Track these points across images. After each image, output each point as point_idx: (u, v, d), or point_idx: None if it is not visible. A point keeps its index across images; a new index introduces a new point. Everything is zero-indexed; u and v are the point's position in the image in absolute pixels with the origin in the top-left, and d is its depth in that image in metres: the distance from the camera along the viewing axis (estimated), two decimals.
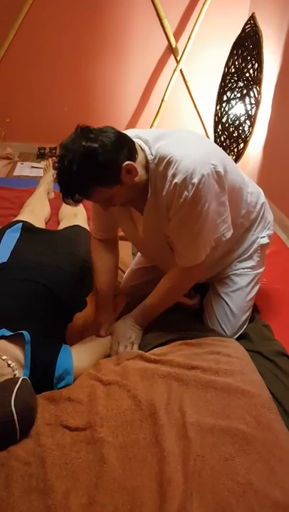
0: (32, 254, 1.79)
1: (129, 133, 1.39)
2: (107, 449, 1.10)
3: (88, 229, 2.20)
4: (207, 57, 3.77)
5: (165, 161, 1.33)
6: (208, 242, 1.45)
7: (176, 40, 3.74)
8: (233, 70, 3.52)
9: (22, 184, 3.10)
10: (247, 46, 3.35)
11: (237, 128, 3.51)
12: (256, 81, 3.28)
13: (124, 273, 1.97)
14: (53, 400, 1.25)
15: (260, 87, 3.25)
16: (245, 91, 3.42)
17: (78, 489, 1.03)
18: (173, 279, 1.53)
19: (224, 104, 3.61)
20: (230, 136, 3.58)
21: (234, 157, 3.53)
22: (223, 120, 3.62)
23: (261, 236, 1.70)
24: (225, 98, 3.59)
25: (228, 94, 3.57)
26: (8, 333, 1.29)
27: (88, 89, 3.88)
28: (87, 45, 3.72)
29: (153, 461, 1.08)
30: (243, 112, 3.44)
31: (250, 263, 1.70)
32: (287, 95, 3.09)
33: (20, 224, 2.02)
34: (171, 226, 1.41)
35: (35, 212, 2.34)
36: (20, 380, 1.15)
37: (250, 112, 3.39)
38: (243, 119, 3.45)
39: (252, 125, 3.38)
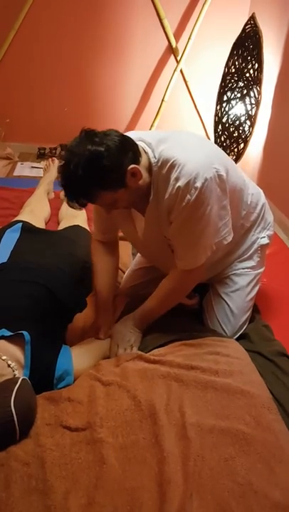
0: (32, 254, 1.79)
1: (132, 135, 1.39)
2: (107, 450, 1.10)
3: (88, 229, 2.20)
4: (207, 57, 3.77)
5: (168, 164, 1.33)
6: (208, 246, 1.45)
7: (177, 41, 3.74)
8: (233, 70, 3.52)
9: (22, 184, 3.10)
10: (247, 46, 3.35)
11: (237, 128, 3.51)
12: (256, 81, 3.28)
13: (124, 273, 1.97)
14: (52, 400, 1.25)
15: (260, 87, 3.25)
16: (245, 91, 3.42)
17: (78, 490, 1.03)
18: (173, 281, 1.53)
19: (224, 104, 3.61)
20: (230, 136, 3.58)
21: (234, 157, 3.53)
22: (224, 120, 3.62)
23: (261, 236, 1.70)
24: (225, 98, 3.59)
25: (229, 94, 3.57)
26: (8, 333, 1.29)
27: (88, 89, 3.88)
28: (87, 45, 3.72)
29: (153, 462, 1.08)
30: (243, 112, 3.44)
31: (251, 263, 1.70)
32: (287, 95, 3.09)
33: (20, 224, 2.02)
34: (172, 229, 1.41)
35: (35, 212, 2.34)
36: (20, 380, 1.14)
37: (250, 112, 3.39)
38: (243, 119, 3.45)
39: (252, 125, 3.38)
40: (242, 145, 3.49)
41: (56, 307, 1.54)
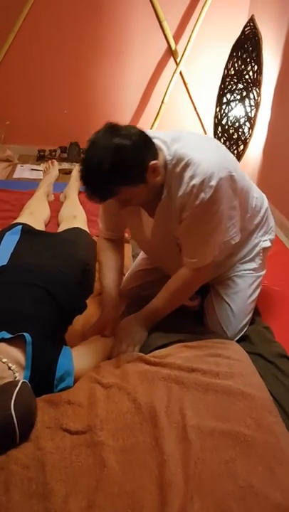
0: (32, 256, 1.79)
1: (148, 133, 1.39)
2: (107, 453, 1.10)
3: (88, 231, 2.20)
4: (207, 59, 3.78)
5: (183, 162, 1.34)
6: (217, 245, 1.46)
7: (176, 43, 3.75)
8: (232, 72, 3.52)
9: (22, 186, 3.10)
10: (246, 48, 3.35)
11: (237, 130, 3.51)
12: (256, 83, 3.29)
13: (125, 275, 1.97)
14: (52, 403, 1.24)
15: (259, 89, 3.25)
16: (244, 93, 3.42)
17: (78, 493, 1.02)
18: (180, 280, 1.53)
19: (224, 106, 3.61)
20: (230, 138, 3.58)
21: None
22: (223, 122, 3.62)
23: (263, 240, 1.71)
24: (225, 100, 3.59)
25: (228, 96, 3.57)
26: (8, 335, 1.29)
27: (88, 91, 3.88)
28: (86, 47, 3.72)
29: (153, 465, 1.08)
30: (243, 113, 3.44)
31: (252, 265, 1.70)
32: (286, 97, 3.09)
33: (20, 226, 2.01)
34: (183, 227, 1.42)
35: (35, 214, 2.34)
36: (20, 383, 1.14)
37: (249, 114, 3.39)
38: (242, 121, 3.45)
39: (252, 127, 3.38)
40: (242, 147, 3.49)
41: (56, 309, 1.54)
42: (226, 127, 3.60)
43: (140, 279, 1.86)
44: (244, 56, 3.38)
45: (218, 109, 3.66)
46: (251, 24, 3.29)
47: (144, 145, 1.30)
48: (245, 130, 3.45)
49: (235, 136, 3.52)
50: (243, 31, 3.38)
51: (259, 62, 3.22)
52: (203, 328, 1.70)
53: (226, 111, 3.59)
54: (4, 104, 3.86)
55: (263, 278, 1.77)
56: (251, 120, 3.38)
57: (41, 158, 3.85)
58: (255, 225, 1.68)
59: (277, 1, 3.18)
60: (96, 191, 1.30)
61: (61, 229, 2.21)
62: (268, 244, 1.71)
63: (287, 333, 1.73)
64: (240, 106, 3.46)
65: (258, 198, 1.67)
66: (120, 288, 1.87)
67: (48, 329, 1.42)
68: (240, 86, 3.46)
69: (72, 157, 3.77)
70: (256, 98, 3.30)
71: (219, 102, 3.64)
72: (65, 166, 3.60)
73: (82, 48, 3.72)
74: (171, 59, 3.82)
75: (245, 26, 3.36)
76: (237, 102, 3.49)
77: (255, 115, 3.33)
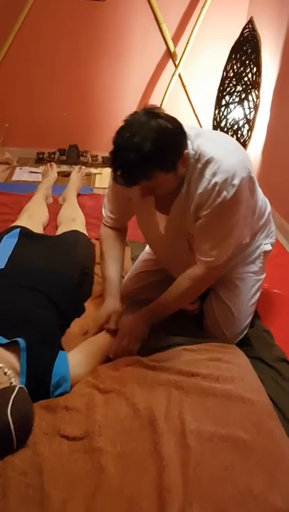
0: (30, 260, 1.78)
1: None
2: (106, 458, 1.09)
3: (87, 234, 2.19)
4: (206, 61, 3.77)
5: (205, 158, 1.33)
6: (233, 244, 1.46)
7: (175, 45, 3.75)
8: (231, 74, 3.52)
9: (20, 189, 3.09)
10: (245, 50, 3.35)
11: (236, 132, 3.51)
12: (255, 85, 3.29)
13: (124, 278, 1.96)
14: (50, 408, 1.23)
15: (258, 91, 3.25)
16: (243, 95, 3.42)
17: (76, 499, 1.01)
18: (191, 278, 1.50)
19: (223, 109, 3.60)
20: None
21: None
22: (222, 124, 3.62)
23: (265, 243, 1.71)
24: (223, 102, 3.59)
25: (227, 98, 3.56)
26: (5, 340, 1.28)
27: (87, 94, 3.88)
28: (86, 50, 3.72)
29: (152, 470, 1.07)
30: (242, 116, 3.44)
31: (253, 268, 1.70)
32: (285, 99, 3.08)
33: (18, 229, 2.01)
34: (200, 225, 1.40)
35: (34, 217, 2.33)
36: (17, 388, 1.13)
37: (248, 116, 3.39)
38: (241, 123, 3.45)
39: (251, 129, 3.38)
40: None
41: (54, 313, 1.53)
42: (225, 129, 3.60)
43: (140, 281, 1.85)
44: (243, 58, 3.38)
45: (217, 111, 3.66)
46: (250, 26, 3.30)
47: (182, 131, 1.28)
48: (244, 132, 3.45)
49: (234, 138, 3.52)
50: (242, 33, 3.38)
51: (258, 64, 3.22)
52: (203, 331, 1.69)
53: (225, 113, 3.58)
54: (3, 106, 3.86)
55: (263, 281, 1.76)
56: (250, 122, 3.37)
57: (40, 160, 3.85)
58: (259, 226, 1.67)
59: (276, 3, 3.19)
60: (130, 173, 1.22)
61: (60, 232, 2.21)
62: (268, 247, 1.71)
63: (287, 335, 1.72)
64: (239, 108, 3.46)
65: (263, 200, 1.67)
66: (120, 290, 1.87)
67: (45, 333, 1.41)
68: (239, 88, 3.46)
69: (71, 159, 3.76)
70: (255, 100, 3.30)
71: (218, 104, 3.63)
72: (64, 168, 3.60)
73: (81, 50, 3.71)
74: (170, 61, 3.82)
75: (244, 28, 3.36)
76: (236, 104, 3.49)
77: (254, 117, 3.33)
